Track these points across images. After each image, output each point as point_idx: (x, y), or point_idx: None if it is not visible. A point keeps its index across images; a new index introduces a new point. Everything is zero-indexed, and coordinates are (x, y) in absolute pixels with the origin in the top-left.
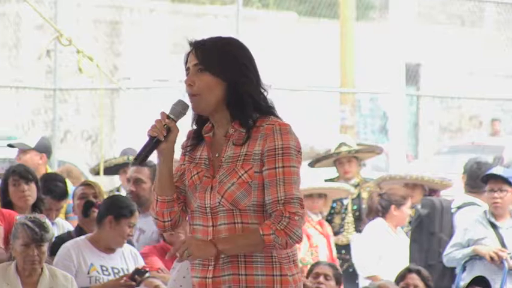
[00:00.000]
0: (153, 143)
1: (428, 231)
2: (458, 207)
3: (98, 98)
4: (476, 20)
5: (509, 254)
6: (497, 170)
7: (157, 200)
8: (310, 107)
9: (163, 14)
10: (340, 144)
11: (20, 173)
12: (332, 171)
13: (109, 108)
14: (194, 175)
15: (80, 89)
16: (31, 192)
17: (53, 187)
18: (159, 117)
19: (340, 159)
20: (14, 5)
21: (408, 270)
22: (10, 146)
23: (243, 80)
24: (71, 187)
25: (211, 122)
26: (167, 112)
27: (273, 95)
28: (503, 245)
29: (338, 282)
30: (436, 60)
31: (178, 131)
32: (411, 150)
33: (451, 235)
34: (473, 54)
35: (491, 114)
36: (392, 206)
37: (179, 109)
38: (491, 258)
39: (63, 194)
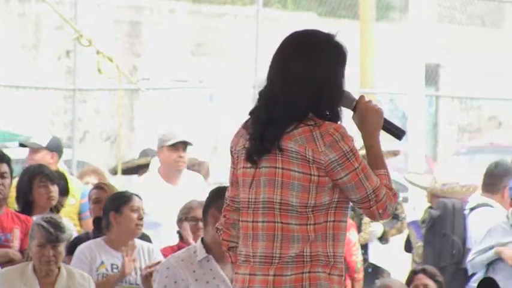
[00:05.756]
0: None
1: (441, 233)
2: (472, 209)
3: (117, 99)
4: (496, 21)
5: None
6: None
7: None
8: None
9: (183, 14)
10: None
11: (48, 175)
12: None
13: (128, 109)
14: None
15: (99, 90)
16: (56, 194)
17: None
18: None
19: None
20: (34, 6)
21: (414, 273)
22: (22, 145)
23: None
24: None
25: None
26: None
27: None
28: None
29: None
30: (456, 61)
31: None
32: (430, 150)
33: (463, 237)
34: (493, 55)
35: (510, 114)
36: None
37: None
38: None
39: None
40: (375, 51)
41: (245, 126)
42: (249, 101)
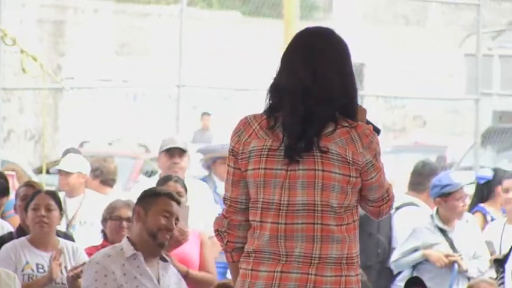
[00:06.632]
0: None
1: (367, 232)
2: (397, 208)
3: (41, 98)
4: (420, 20)
5: (459, 255)
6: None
7: None
8: (250, 107)
9: (108, 13)
10: None
11: None
12: None
13: (52, 108)
14: None
15: (24, 89)
16: None
17: None
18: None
19: None
20: None
21: None
22: None
23: None
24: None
25: None
26: None
27: (219, 95)
28: (453, 249)
29: None
30: (380, 60)
31: None
32: None
33: (389, 236)
34: (417, 54)
35: (434, 113)
36: None
37: None
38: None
39: (4, 191)
40: None
41: (263, 124)
42: (173, 100)
